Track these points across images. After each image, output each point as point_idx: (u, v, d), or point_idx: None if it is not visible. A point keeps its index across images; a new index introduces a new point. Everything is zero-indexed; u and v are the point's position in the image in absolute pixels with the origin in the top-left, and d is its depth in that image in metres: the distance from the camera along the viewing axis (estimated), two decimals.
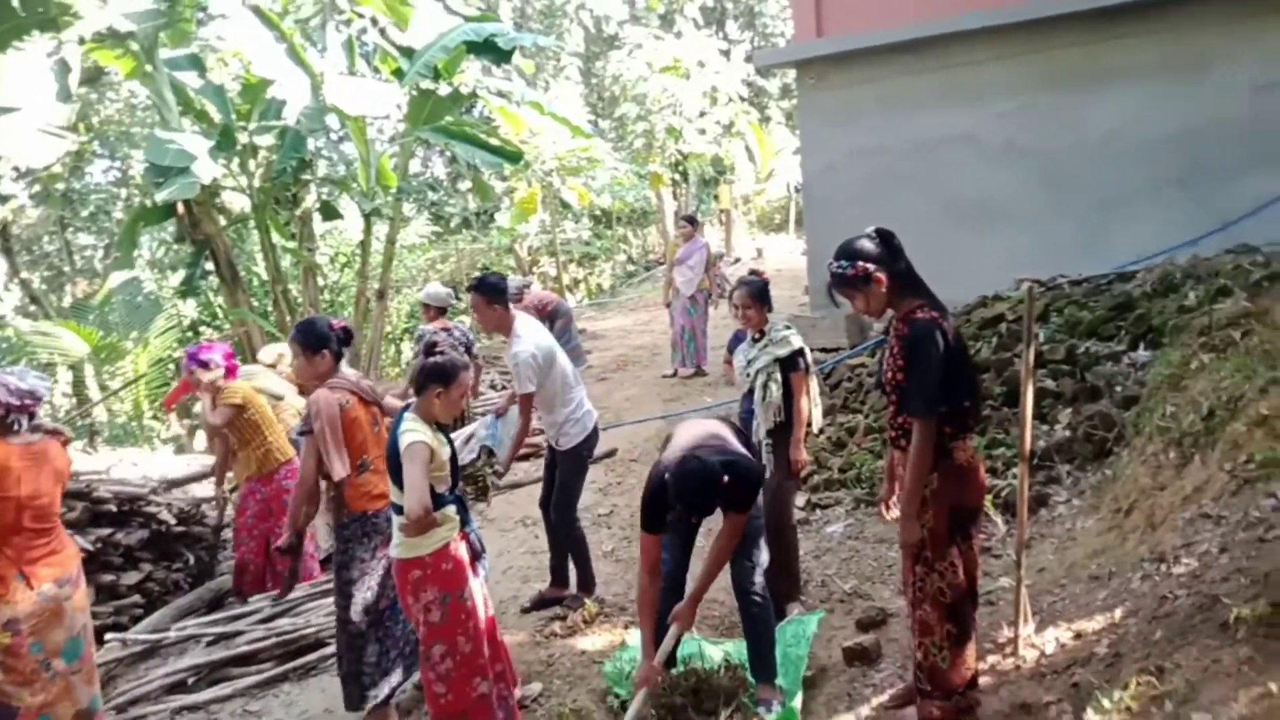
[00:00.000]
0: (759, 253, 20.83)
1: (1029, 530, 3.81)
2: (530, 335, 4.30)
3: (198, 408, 7.07)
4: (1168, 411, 4.16)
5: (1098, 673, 2.96)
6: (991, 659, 3.34)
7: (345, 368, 3.80)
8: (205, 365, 5.12)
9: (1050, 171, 7.37)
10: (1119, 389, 4.93)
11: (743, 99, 21.73)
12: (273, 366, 7.51)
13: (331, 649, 4.49)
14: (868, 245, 2.83)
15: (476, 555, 3.39)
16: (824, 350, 7.47)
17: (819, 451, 5.91)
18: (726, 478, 3.10)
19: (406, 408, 3.33)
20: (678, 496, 3.12)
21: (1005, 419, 5.17)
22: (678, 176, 20.82)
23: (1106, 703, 2.65)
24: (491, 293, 4.37)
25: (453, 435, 4.33)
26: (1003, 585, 3.86)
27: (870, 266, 2.79)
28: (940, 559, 2.83)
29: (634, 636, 4.12)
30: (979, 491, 2.90)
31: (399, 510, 3.17)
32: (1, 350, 15.35)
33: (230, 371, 5.25)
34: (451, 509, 3.28)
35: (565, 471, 4.47)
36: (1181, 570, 3.20)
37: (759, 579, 3.51)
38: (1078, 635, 3.28)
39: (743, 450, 3.45)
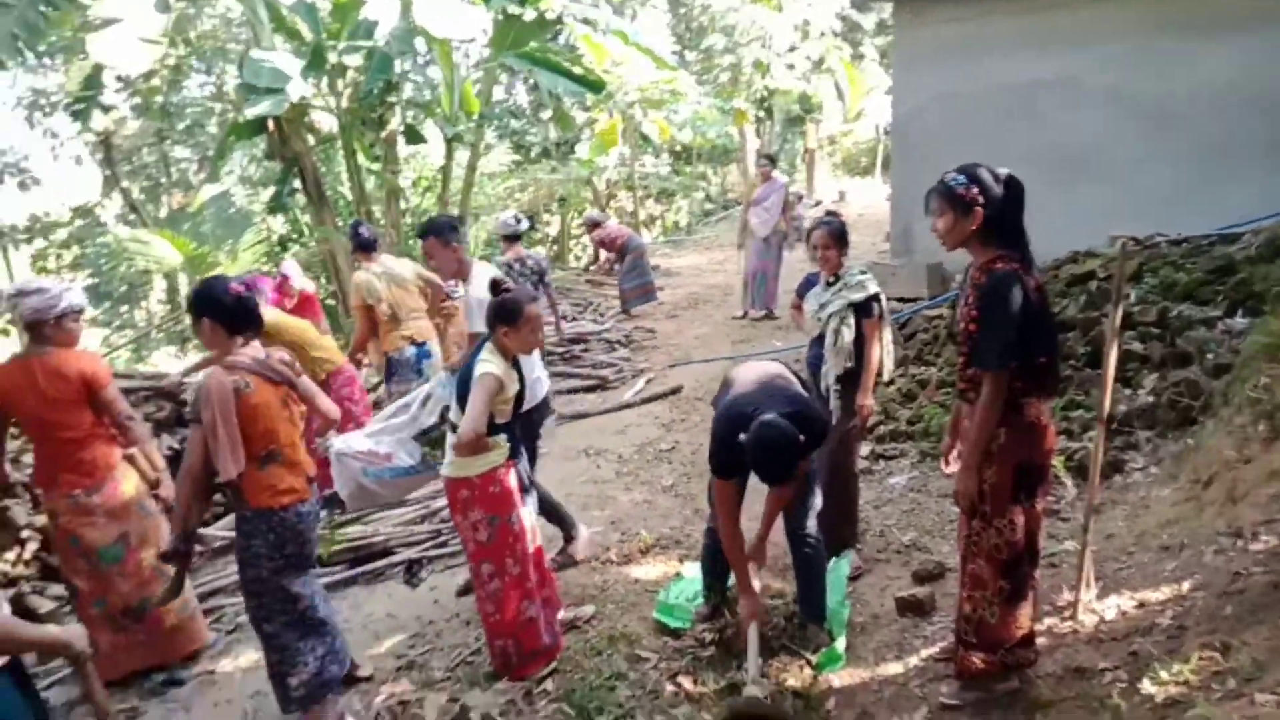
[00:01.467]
0: (841, 195, 20.29)
1: (1100, 495, 3.70)
2: (480, 284, 3.93)
3: None
4: (1261, 383, 3.95)
5: (1158, 643, 2.90)
6: (1049, 621, 3.29)
7: (253, 345, 3.22)
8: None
9: (1157, 122, 6.93)
10: (1211, 356, 4.70)
11: (836, 34, 20.91)
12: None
13: (399, 557, 4.71)
14: (988, 178, 2.71)
15: (524, 489, 3.45)
16: (901, 300, 7.29)
17: (888, 402, 5.82)
18: (802, 436, 3.02)
19: (485, 340, 3.37)
20: (757, 466, 3.05)
21: (1087, 380, 4.98)
22: (762, 113, 20.27)
23: (1165, 674, 2.60)
24: (447, 232, 4.17)
25: (408, 398, 4.34)
26: (1067, 548, 3.78)
27: (979, 195, 2.67)
28: (1000, 515, 2.77)
29: (688, 569, 4.19)
30: (1047, 451, 2.81)
31: (455, 429, 3.28)
32: (103, 256, 16.15)
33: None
34: (503, 438, 3.36)
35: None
36: (1259, 547, 3.09)
37: (812, 522, 3.52)
38: (1141, 604, 3.21)
39: (802, 393, 3.41)
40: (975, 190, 2.67)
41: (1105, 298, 5.33)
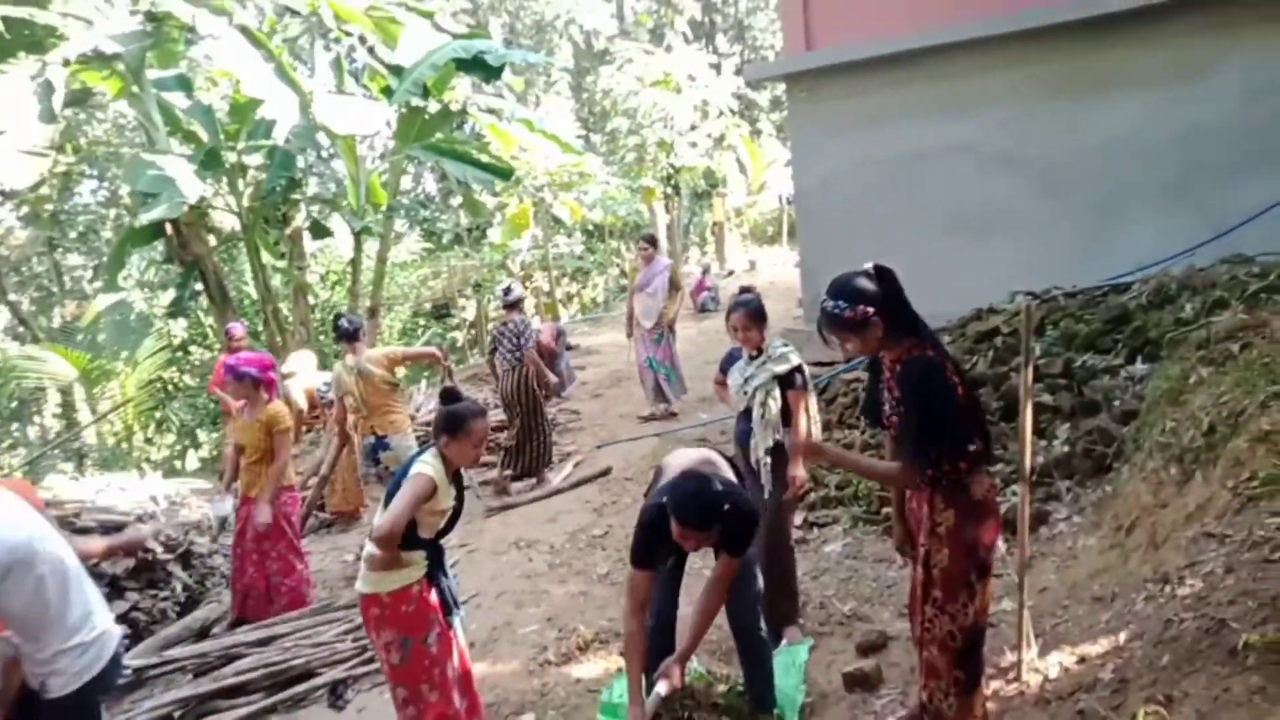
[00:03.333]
0: (752, 265, 20.82)
1: (1030, 549, 3.74)
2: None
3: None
4: (1167, 427, 4.10)
5: (1103, 700, 2.89)
6: (995, 684, 3.26)
7: None
8: (241, 379, 5.02)
9: (1047, 180, 7.35)
10: (1117, 403, 4.88)
11: (733, 112, 21.79)
12: (288, 377, 7.90)
13: (322, 679, 4.42)
14: (866, 285, 2.67)
15: (449, 608, 3.28)
16: (819, 364, 7.41)
17: (816, 469, 5.84)
18: (727, 505, 3.00)
19: (427, 447, 3.24)
20: (676, 513, 3.00)
21: (1003, 434, 5.10)
22: (670, 190, 20.82)
23: None
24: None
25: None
26: (1004, 608, 3.79)
27: (870, 310, 2.64)
28: (952, 601, 2.72)
29: None
30: (997, 527, 2.80)
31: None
32: None
33: (269, 385, 5.15)
34: (420, 554, 3.17)
35: None
36: (1186, 592, 3.13)
37: (756, 613, 3.43)
38: (1081, 659, 3.21)
39: (736, 483, 3.37)
40: (860, 306, 2.64)
41: (1012, 352, 5.52)
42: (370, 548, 3.12)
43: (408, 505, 3.00)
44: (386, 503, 3.10)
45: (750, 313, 4.11)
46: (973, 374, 5.56)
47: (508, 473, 7.13)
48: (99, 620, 2.59)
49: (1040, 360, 5.34)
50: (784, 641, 4.04)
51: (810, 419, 4.16)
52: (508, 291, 7.34)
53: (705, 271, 16.25)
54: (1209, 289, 5.27)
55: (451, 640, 3.28)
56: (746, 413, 4.15)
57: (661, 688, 3.17)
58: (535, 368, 7.08)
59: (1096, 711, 2.84)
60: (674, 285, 8.24)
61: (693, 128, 19.83)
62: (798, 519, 5.31)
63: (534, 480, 7.18)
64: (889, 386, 2.78)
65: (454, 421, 3.16)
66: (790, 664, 3.78)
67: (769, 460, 4.07)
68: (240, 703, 4.33)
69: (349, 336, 6.06)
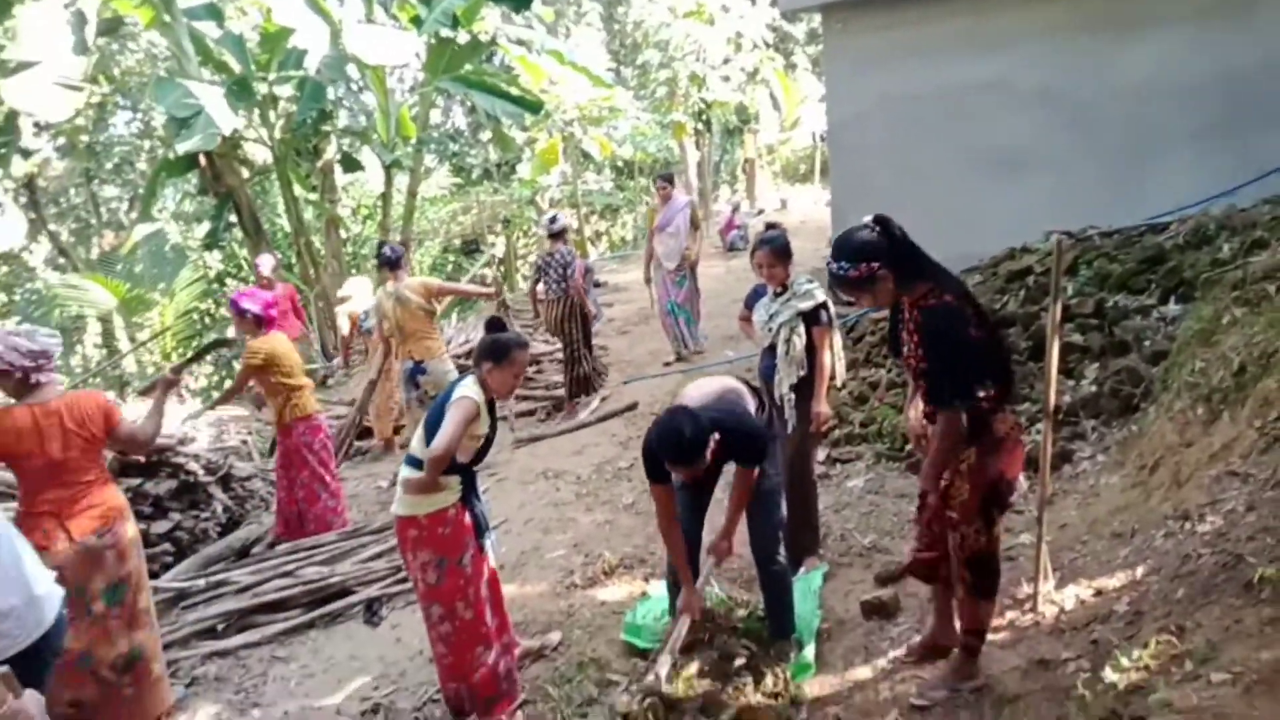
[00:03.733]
0: (783, 204, 20.56)
1: (1052, 486, 3.78)
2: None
3: None
4: (1197, 367, 4.08)
5: (1117, 630, 2.95)
6: (1010, 615, 3.33)
7: None
8: (242, 314, 5.19)
9: (1083, 118, 7.15)
10: (1148, 344, 4.84)
11: (768, 45, 21.24)
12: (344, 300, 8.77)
13: (357, 597, 4.60)
14: (869, 239, 2.69)
15: (481, 531, 3.39)
16: (847, 303, 7.39)
17: (841, 406, 5.87)
18: (716, 434, 3.11)
19: (467, 374, 3.34)
20: (658, 449, 3.15)
21: (1030, 374, 5.09)
22: (701, 126, 20.48)
23: (1125, 660, 2.64)
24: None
25: None
26: (1023, 541, 3.85)
27: (875, 265, 2.65)
28: (966, 524, 2.81)
29: (654, 588, 4.17)
30: (1019, 464, 2.84)
31: (411, 463, 3.22)
32: (32, 303, 15.62)
33: (269, 322, 5.29)
34: (455, 479, 3.28)
35: None
36: (1206, 529, 3.16)
37: (777, 542, 3.52)
38: (1098, 592, 3.27)
39: (748, 409, 3.45)
40: (863, 264, 2.66)
41: (1043, 292, 5.47)
42: (406, 472, 3.23)
43: (458, 428, 3.11)
44: (428, 429, 3.20)
45: (775, 250, 4.11)
46: (1003, 313, 5.53)
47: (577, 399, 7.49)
48: (39, 587, 2.53)
49: (1072, 300, 5.30)
50: (802, 570, 4.14)
51: (835, 355, 4.19)
52: (553, 220, 7.42)
53: (735, 210, 16.09)
54: (1249, 229, 5.16)
55: (483, 562, 3.40)
56: (771, 349, 4.18)
57: (710, 561, 3.52)
58: (580, 297, 7.23)
59: (1110, 641, 2.90)
60: (694, 224, 7.98)
61: (725, 61, 19.38)
62: (821, 454, 5.37)
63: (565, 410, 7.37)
64: (908, 329, 2.81)
65: (499, 350, 3.26)
66: (806, 590, 3.88)
67: (794, 396, 4.11)
68: (279, 617, 4.53)
69: (391, 264, 6.23)
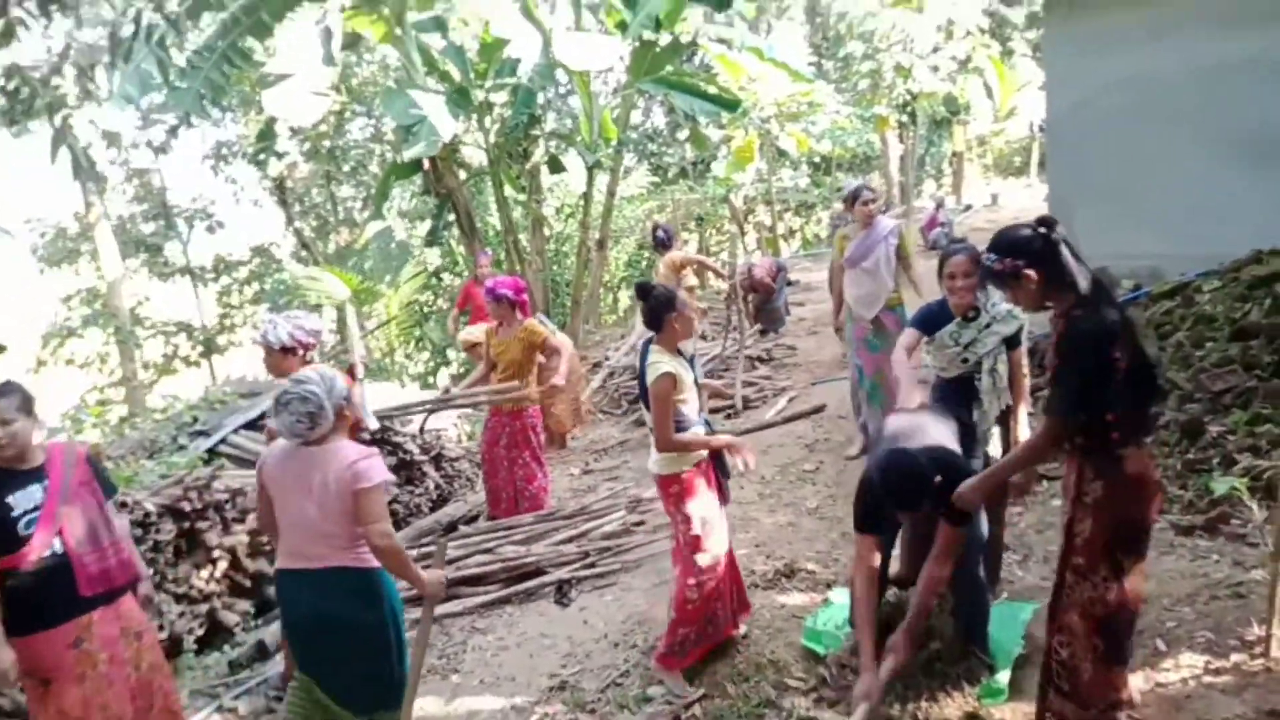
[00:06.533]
0: (993, 199, 19.41)
1: None
2: None
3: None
4: None
5: None
6: (1236, 658, 3.03)
7: None
8: (498, 300, 5.56)
9: None
10: None
11: (982, 31, 20.06)
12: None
13: (550, 577, 4.86)
14: (1024, 236, 2.63)
15: (722, 487, 3.68)
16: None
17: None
18: (938, 477, 2.91)
19: (649, 342, 3.57)
20: (883, 489, 2.96)
21: (1273, 392, 4.56)
22: (905, 118, 19.69)
23: None
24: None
25: None
26: (1255, 577, 3.46)
27: (1020, 262, 2.58)
28: (1093, 571, 2.60)
29: (836, 594, 4.10)
30: (1150, 505, 2.61)
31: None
32: (280, 291, 17.56)
33: (522, 306, 5.70)
34: (701, 428, 3.54)
35: None
36: None
37: (976, 558, 3.31)
38: None
39: (957, 449, 3.18)
40: (1011, 259, 2.61)
41: None
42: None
43: (665, 410, 3.38)
44: (645, 401, 3.52)
45: (975, 257, 3.56)
46: (1243, 323, 4.98)
47: None
48: None
49: None
50: (1003, 595, 3.91)
51: (1026, 376, 3.89)
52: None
53: (939, 206, 15.31)
54: None
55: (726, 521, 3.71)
56: (958, 379, 3.75)
57: (889, 664, 3.09)
58: None
59: None
60: (901, 255, 5.61)
61: (935, 50, 18.50)
62: None
63: None
64: (1053, 340, 2.67)
65: (670, 299, 3.51)
66: (1011, 618, 3.63)
67: (1000, 428, 3.82)
68: (479, 590, 4.87)
69: (664, 245, 7.28)
